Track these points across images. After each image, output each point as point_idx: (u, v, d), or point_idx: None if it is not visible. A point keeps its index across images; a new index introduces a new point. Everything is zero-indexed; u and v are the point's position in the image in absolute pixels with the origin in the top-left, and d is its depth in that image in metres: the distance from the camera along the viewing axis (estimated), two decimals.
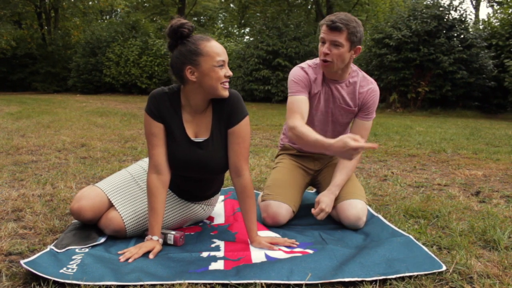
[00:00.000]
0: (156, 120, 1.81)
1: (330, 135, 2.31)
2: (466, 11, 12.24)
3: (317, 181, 2.41)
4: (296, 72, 2.19)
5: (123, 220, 1.84)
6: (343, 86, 2.19)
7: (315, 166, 2.40)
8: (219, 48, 1.73)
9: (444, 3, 12.26)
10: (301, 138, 1.99)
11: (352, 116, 2.26)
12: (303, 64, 2.24)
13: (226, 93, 1.78)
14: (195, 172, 1.88)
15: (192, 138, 1.84)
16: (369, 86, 2.20)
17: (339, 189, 2.15)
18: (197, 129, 1.86)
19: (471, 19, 13.09)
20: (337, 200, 2.14)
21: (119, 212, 1.85)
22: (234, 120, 1.82)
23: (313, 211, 2.11)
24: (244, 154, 1.84)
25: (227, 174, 2.00)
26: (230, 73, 1.76)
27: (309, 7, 22.41)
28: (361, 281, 1.48)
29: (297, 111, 2.10)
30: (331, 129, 2.30)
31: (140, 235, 1.90)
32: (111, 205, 1.89)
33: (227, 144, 1.86)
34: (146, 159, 2.10)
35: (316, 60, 2.22)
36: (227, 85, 1.77)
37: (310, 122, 2.25)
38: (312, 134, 1.94)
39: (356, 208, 2.06)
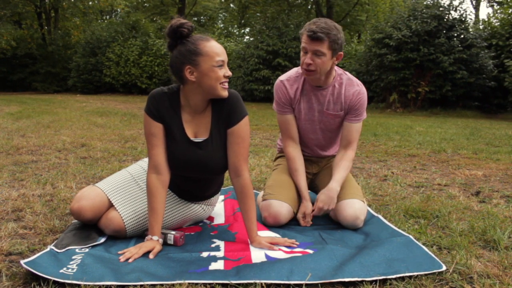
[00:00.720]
0: (156, 120, 1.80)
1: (322, 142, 2.34)
2: (466, 11, 12.25)
3: (315, 184, 2.41)
4: (276, 89, 2.25)
5: (123, 220, 1.84)
6: (328, 92, 2.19)
7: (313, 169, 2.41)
8: (219, 48, 1.73)
9: (444, 3, 12.26)
10: (289, 169, 2.26)
11: (341, 120, 2.25)
12: (285, 76, 2.25)
13: (225, 93, 1.78)
14: (194, 172, 1.88)
15: (192, 138, 1.84)
16: (355, 89, 2.18)
17: (340, 185, 2.13)
18: (196, 129, 1.86)
19: (471, 19, 13.09)
20: None
21: (119, 212, 1.85)
22: (234, 120, 1.82)
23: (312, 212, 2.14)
24: (243, 154, 1.84)
25: (227, 174, 2.00)
26: (229, 73, 1.76)
27: (309, 7, 22.38)
28: (361, 281, 1.48)
29: (288, 136, 2.27)
30: (322, 137, 2.31)
31: (140, 235, 1.90)
32: (111, 205, 1.89)
33: (227, 144, 1.86)
34: (146, 159, 2.10)
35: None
36: (226, 85, 1.77)
37: (299, 132, 2.28)
38: (297, 178, 2.22)
39: (354, 207, 2.06)
